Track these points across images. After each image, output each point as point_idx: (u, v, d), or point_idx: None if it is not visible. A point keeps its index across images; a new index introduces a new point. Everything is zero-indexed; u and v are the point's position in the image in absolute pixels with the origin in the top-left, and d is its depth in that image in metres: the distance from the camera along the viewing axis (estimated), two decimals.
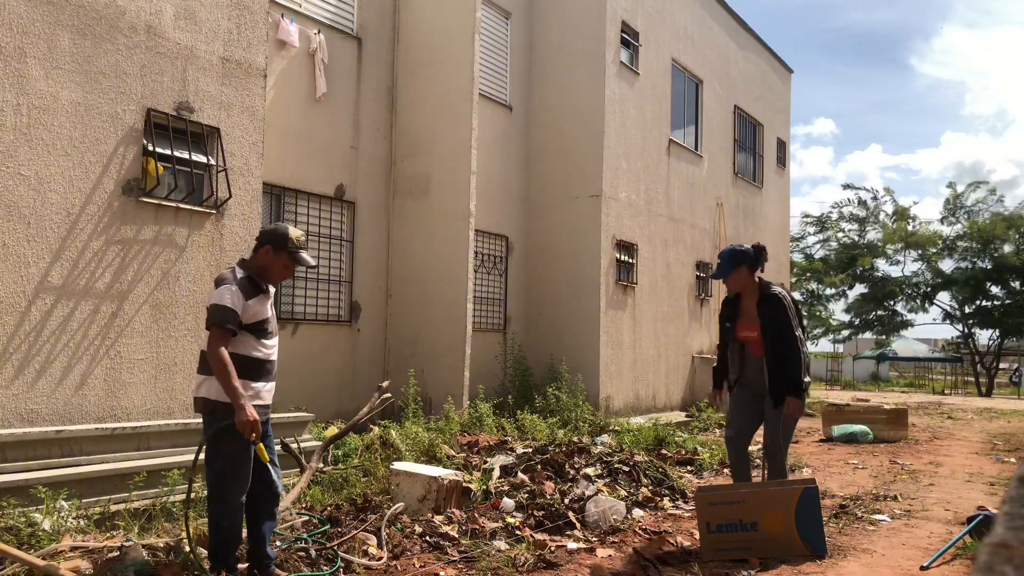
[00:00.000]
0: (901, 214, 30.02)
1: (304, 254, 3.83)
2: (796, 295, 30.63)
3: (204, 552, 3.79)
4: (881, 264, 30.89)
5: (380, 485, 5.51)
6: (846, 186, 50.36)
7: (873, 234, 30.64)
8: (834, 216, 31.80)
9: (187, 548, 3.72)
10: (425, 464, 6.05)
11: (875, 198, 30.98)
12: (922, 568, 4.47)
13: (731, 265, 5.06)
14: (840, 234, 31.60)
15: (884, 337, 33.46)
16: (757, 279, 5.11)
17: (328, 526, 4.63)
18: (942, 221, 29.93)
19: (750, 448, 5.48)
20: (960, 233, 28.98)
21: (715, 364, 5.51)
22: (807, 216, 33.04)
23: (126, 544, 3.75)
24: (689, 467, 7.57)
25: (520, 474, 5.91)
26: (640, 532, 5.13)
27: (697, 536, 4.82)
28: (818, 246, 32.53)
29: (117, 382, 5.44)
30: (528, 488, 5.61)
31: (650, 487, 6.24)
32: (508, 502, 5.33)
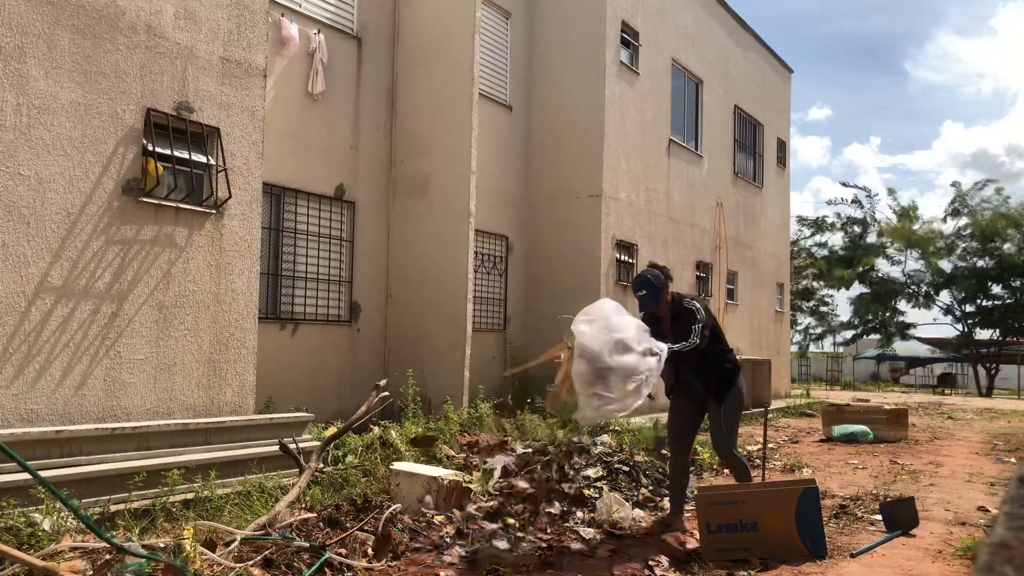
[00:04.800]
0: (907, 215, 30.01)
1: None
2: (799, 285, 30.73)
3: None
4: (882, 264, 30.92)
5: (380, 485, 5.51)
6: (843, 183, 50.94)
7: (872, 237, 30.71)
8: (830, 219, 31.95)
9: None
10: (425, 464, 6.05)
11: (869, 196, 31.13)
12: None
13: (658, 293, 5.07)
14: (838, 238, 31.74)
15: (887, 339, 33.49)
16: (670, 297, 5.15)
17: (327, 554, 4.30)
18: (944, 220, 29.94)
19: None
20: (961, 232, 28.96)
21: None
22: (802, 219, 33.16)
23: (126, 545, 3.74)
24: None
25: (520, 483, 5.88)
26: (640, 532, 5.13)
27: (697, 536, 4.82)
28: (816, 248, 32.64)
29: (117, 382, 5.44)
30: (529, 490, 5.59)
31: (650, 487, 6.24)
32: None
